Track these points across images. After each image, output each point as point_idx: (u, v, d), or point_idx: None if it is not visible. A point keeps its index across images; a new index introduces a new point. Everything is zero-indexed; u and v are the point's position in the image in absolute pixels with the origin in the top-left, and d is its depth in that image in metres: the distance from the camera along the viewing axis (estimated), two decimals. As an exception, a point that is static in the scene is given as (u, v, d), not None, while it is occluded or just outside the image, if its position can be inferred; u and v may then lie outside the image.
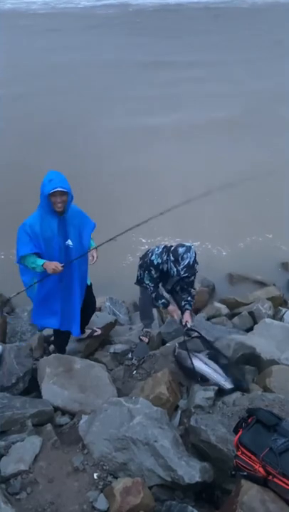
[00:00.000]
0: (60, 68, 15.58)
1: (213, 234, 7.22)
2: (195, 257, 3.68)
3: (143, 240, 6.95)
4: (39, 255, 3.39)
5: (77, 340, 4.22)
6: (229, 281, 6.55)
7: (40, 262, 3.34)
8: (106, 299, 5.51)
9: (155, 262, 3.85)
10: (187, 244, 3.75)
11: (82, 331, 4.16)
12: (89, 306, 3.99)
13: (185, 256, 3.63)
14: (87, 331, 4.28)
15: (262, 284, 6.28)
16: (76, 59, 16.57)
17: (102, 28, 23.51)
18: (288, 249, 7.10)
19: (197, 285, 5.45)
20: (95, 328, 4.28)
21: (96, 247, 3.66)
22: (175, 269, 3.70)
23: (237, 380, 3.55)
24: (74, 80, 14.44)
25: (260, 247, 7.08)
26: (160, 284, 4.07)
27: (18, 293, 3.60)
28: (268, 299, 5.68)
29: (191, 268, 3.68)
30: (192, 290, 3.99)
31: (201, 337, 3.95)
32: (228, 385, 3.48)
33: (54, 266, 3.31)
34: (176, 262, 3.66)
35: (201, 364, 3.65)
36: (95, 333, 4.28)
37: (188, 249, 3.67)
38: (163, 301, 4.02)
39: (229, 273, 6.58)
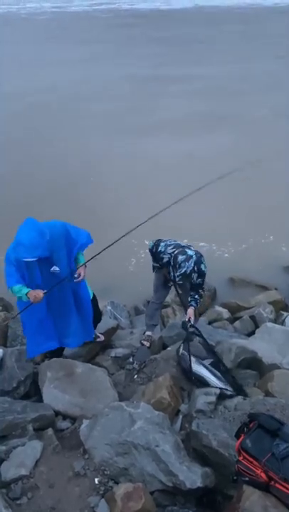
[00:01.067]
0: (52, 83, 15.43)
1: (218, 235, 7.17)
2: (194, 266, 3.66)
3: (147, 243, 6.85)
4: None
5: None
6: (230, 285, 6.53)
7: (25, 291, 3.29)
8: (107, 303, 5.50)
9: (161, 256, 3.88)
10: (189, 252, 3.70)
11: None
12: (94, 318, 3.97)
13: (182, 265, 3.62)
14: None
15: (263, 288, 6.26)
16: (69, 74, 16.38)
17: (95, 33, 23.44)
18: (289, 251, 7.08)
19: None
20: (98, 334, 4.28)
21: (84, 264, 3.52)
22: (172, 274, 3.75)
23: (237, 386, 3.55)
24: (71, 95, 14.34)
25: (262, 249, 7.04)
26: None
27: (18, 313, 3.58)
28: (270, 303, 5.67)
29: (187, 277, 3.69)
30: (201, 291, 4.00)
31: (200, 336, 3.93)
32: (227, 388, 3.48)
33: (35, 294, 3.25)
34: (174, 267, 3.68)
35: (201, 368, 3.64)
36: (98, 339, 4.28)
37: (188, 258, 3.64)
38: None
39: (230, 277, 6.56)
